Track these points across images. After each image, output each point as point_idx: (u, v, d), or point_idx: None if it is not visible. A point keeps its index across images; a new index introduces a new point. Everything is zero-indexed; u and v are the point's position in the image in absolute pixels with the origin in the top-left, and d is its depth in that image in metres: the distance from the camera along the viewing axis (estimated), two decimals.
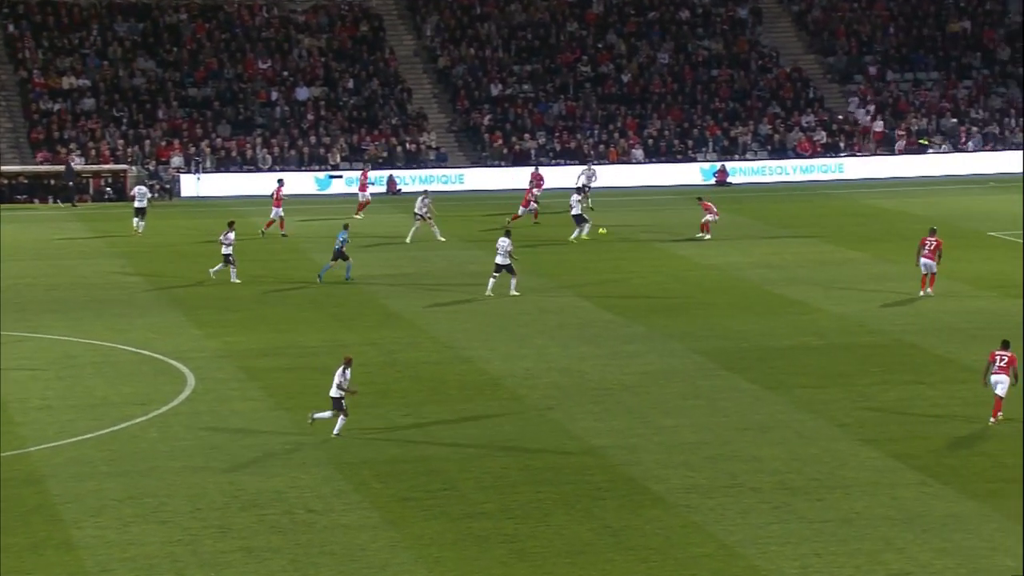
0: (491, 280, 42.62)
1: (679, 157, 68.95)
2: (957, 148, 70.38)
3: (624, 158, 68.81)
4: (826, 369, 35.01)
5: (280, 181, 55.49)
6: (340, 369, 29.74)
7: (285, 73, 71.15)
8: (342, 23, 73.63)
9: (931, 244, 42.72)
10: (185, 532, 24.96)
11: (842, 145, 70.53)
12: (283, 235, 52.96)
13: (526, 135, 69.57)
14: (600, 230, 52.25)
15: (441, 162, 68.24)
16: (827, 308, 41.19)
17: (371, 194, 58.39)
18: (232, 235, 44.78)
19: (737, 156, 69.69)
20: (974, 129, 71.36)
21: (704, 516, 25.56)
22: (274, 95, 70.08)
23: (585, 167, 60.64)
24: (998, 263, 47.00)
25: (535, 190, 56.20)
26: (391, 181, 65.39)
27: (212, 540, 24.63)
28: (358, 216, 56.45)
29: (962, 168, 68.55)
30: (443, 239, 51.42)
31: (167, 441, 29.81)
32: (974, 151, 70.11)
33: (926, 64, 75.19)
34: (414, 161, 67.33)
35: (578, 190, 56.74)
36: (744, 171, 68.23)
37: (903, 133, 70.86)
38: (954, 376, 34.14)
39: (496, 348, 37.05)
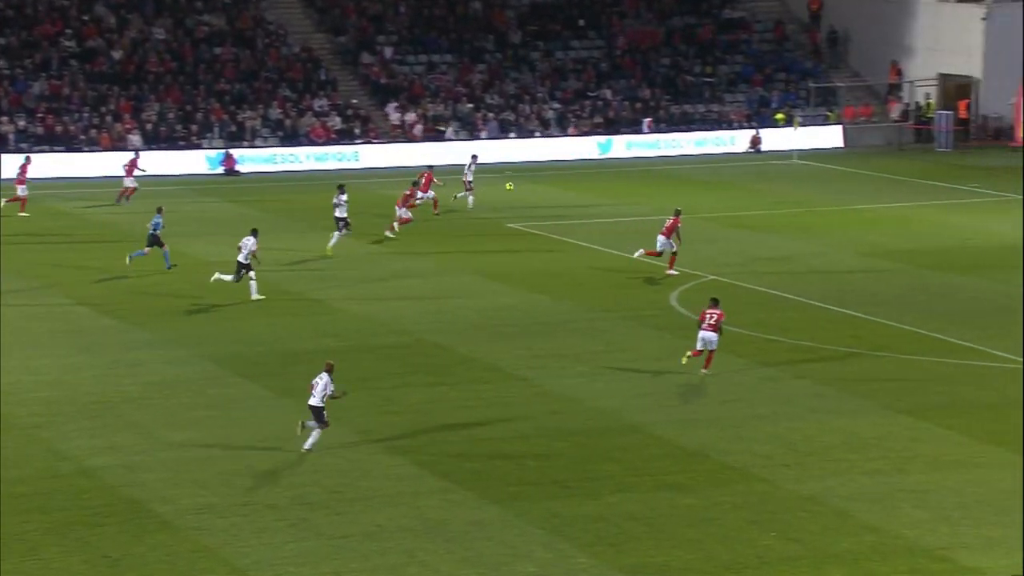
0: (226, 276, 42.04)
1: (182, 143, 68.33)
2: (474, 135, 72.72)
3: (119, 144, 67.58)
4: (347, 372, 35.36)
5: (27, 159, 56.62)
6: (326, 378, 29.32)
7: None
8: None
9: (668, 222, 45.28)
10: None
11: (357, 131, 71.65)
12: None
13: (3, 118, 67.30)
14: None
15: None
16: (347, 307, 41.85)
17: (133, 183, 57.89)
18: None
19: (246, 142, 69.71)
20: (490, 115, 73.90)
21: (216, 538, 25.54)
22: None
23: (471, 159, 59.04)
24: (519, 256, 48.95)
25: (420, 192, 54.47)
26: None
27: None
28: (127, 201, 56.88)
29: (481, 156, 70.70)
30: None
31: None
32: (491, 138, 72.61)
33: (439, 46, 77.33)
34: None
35: (466, 184, 56.82)
36: (253, 159, 68.30)
37: (418, 119, 72.65)
38: (477, 376, 35.36)
39: None
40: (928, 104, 75.99)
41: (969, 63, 74.99)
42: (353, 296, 43.12)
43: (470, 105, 74.12)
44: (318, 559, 24.80)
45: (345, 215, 48.67)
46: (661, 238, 45.48)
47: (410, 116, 72.65)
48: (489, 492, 27.74)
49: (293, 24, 76.58)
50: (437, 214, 54.90)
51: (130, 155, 60.08)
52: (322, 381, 29.55)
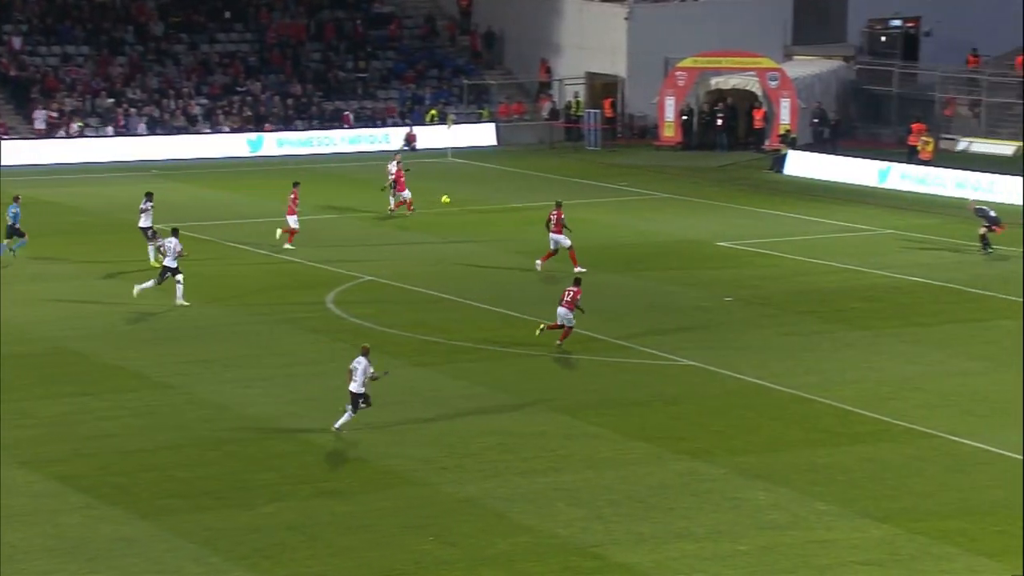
0: (148, 283, 40.95)
1: None
2: (118, 131, 71.01)
3: None
4: None
5: None
6: (364, 362, 30.29)
7: None
8: None
9: (555, 218, 45.41)
10: None
11: None
12: None
13: None
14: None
15: None
16: None
17: None
18: None
19: None
20: (132, 110, 72.29)
21: None
22: None
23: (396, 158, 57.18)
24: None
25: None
26: None
27: None
28: None
29: (127, 154, 69.24)
30: None
31: None
32: (137, 135, 71.08)
33: (74, 37, 75.23)
34: None
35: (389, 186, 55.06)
36: None
37: (56, 115, 70.54)
38: (122, 384, 34.49)
39: None
40: (577, 102, 77.56)
41: (614, 62, 76.89)
42: None
43: (110, 100, 72.30)
44: None
45: (150, 224, 46.43)
46: (554, 236, 45.68)
47: (45, 111, 70.46)
48: (136, 506, 27.05)
49: None
50: (412, 211, 55.16)
51: None
52: (360, 365, 30.42)
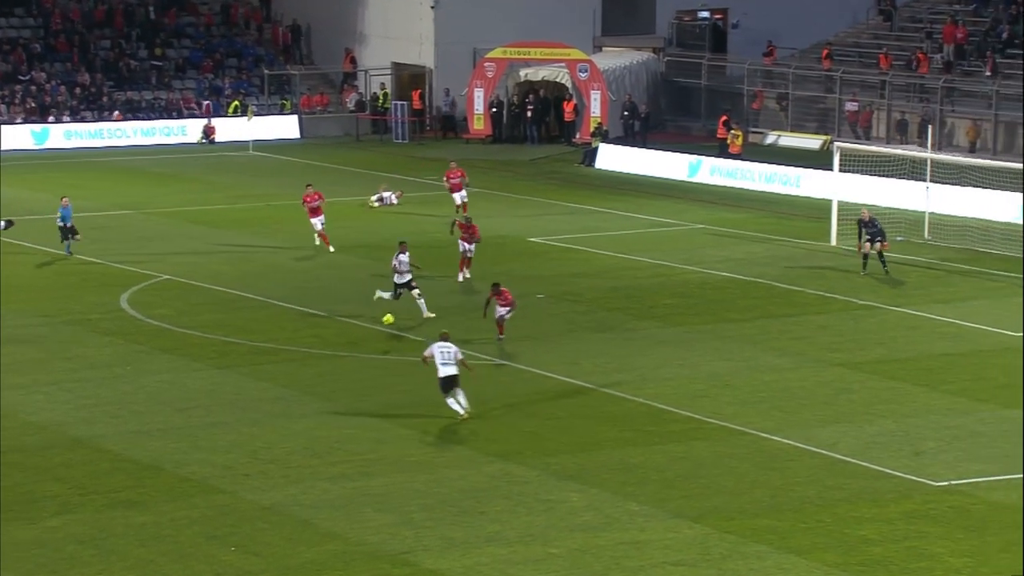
0: (386, 294, 39.91)
1: None
2: None
3: None
4: None
5: None
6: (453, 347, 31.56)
7: None
8: None
9: (466, 231, 44.84)
10: None
11: None
12: None
13: None
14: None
15: None
16: None
17: None
18: None
19: None
20: None
21: None
22: None
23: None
24: None
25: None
26: None
27: None
28: None
29: None
30: None
31: None
32: None
33: None
34: None
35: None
36: None
37: None
38: None
39: None
40: (384, 94, 77.29)
41: (421, 52, 76.76)
42: None
43: None
44: None
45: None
46: (463, 243, 45.12)
47: None
48: None
49: None
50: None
51: None
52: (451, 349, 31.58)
